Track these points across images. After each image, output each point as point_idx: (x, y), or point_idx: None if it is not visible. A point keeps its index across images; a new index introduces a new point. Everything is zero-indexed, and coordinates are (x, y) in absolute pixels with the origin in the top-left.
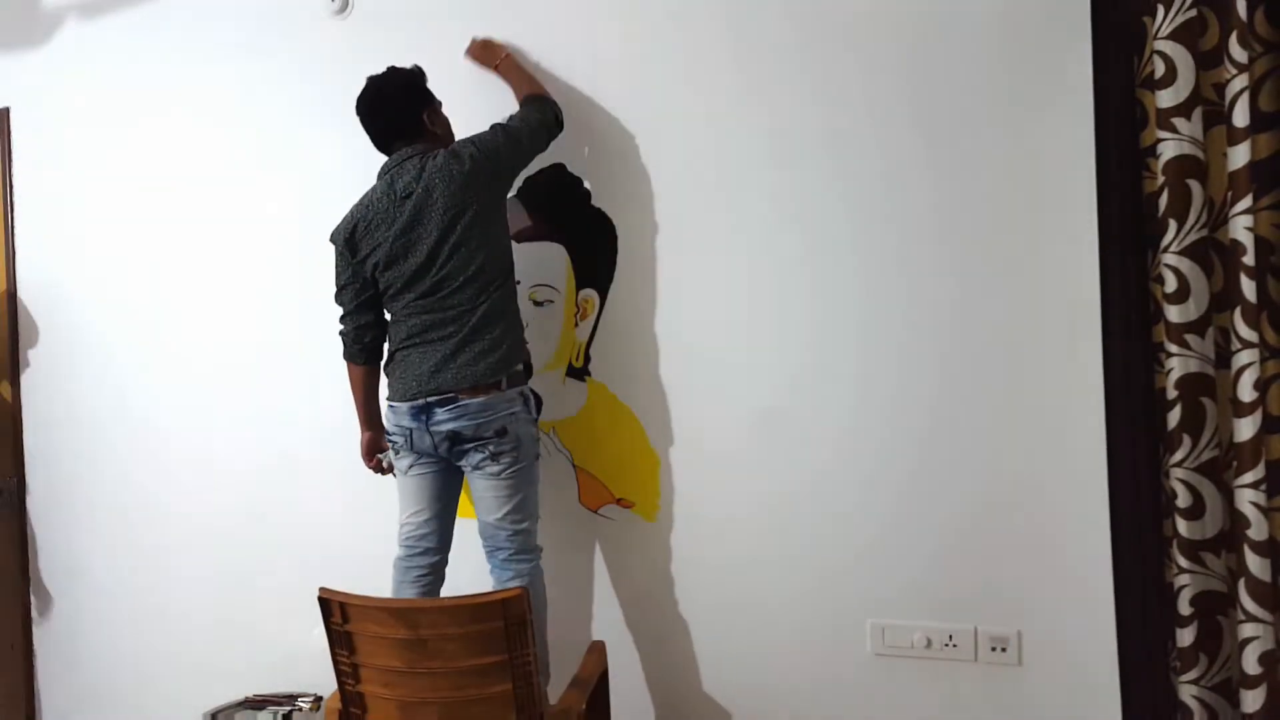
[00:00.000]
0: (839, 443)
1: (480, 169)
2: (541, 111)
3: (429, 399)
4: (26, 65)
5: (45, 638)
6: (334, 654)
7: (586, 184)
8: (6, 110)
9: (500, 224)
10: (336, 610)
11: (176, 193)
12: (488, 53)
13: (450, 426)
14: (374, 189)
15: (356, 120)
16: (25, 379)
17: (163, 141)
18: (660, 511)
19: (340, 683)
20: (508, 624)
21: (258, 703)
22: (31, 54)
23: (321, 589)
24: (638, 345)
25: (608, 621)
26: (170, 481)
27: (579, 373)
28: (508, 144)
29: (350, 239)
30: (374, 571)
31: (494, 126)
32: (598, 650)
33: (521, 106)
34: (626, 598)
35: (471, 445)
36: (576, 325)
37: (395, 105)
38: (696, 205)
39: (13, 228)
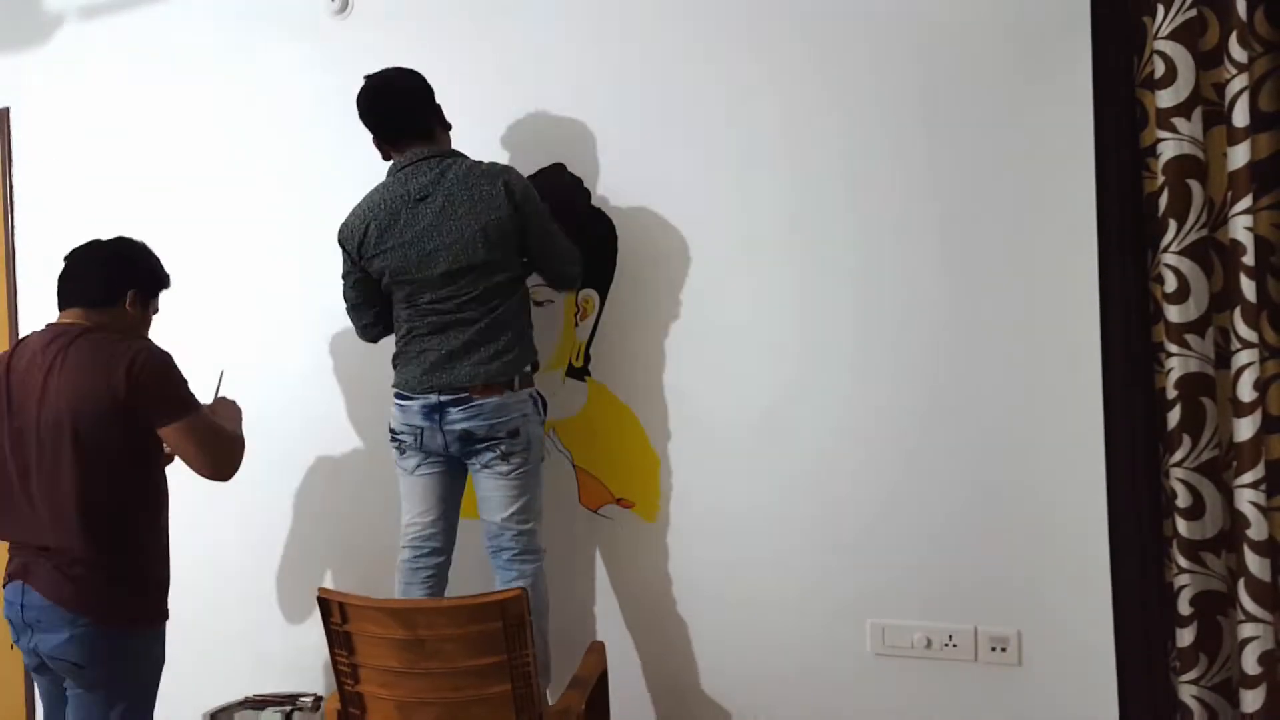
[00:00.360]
0: (839, 442)
1: (512, 197)
2: (575, 259)
3: (442, 397)
4: (26, 65)
5: None
6: (333, 654)
7: (586, 184)
8: (6, 110)
9: (518, 243)
10: (335, 610)
11: (176, 193)
12: None
13: (464, 426)
14: (385, 187)
15: (358, 120)
16: None
17: (162, 141)
18: (660, 511)
19: (339, 683)
20: (506, 624)
21: (258, 703)
22: (31, 54)
23: (321, 589)
24: (638, 345)
25: (607, 621)
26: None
27: (579, 373)
28: (544, 219)
29: (361, 239)
30: (374, 571)
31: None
32: (597, 650)
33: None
34: (626, 598)
35: (483, 445)
36: (576, 325)
37: (409, 105)
38: (697, 204)
39: (13, 228)
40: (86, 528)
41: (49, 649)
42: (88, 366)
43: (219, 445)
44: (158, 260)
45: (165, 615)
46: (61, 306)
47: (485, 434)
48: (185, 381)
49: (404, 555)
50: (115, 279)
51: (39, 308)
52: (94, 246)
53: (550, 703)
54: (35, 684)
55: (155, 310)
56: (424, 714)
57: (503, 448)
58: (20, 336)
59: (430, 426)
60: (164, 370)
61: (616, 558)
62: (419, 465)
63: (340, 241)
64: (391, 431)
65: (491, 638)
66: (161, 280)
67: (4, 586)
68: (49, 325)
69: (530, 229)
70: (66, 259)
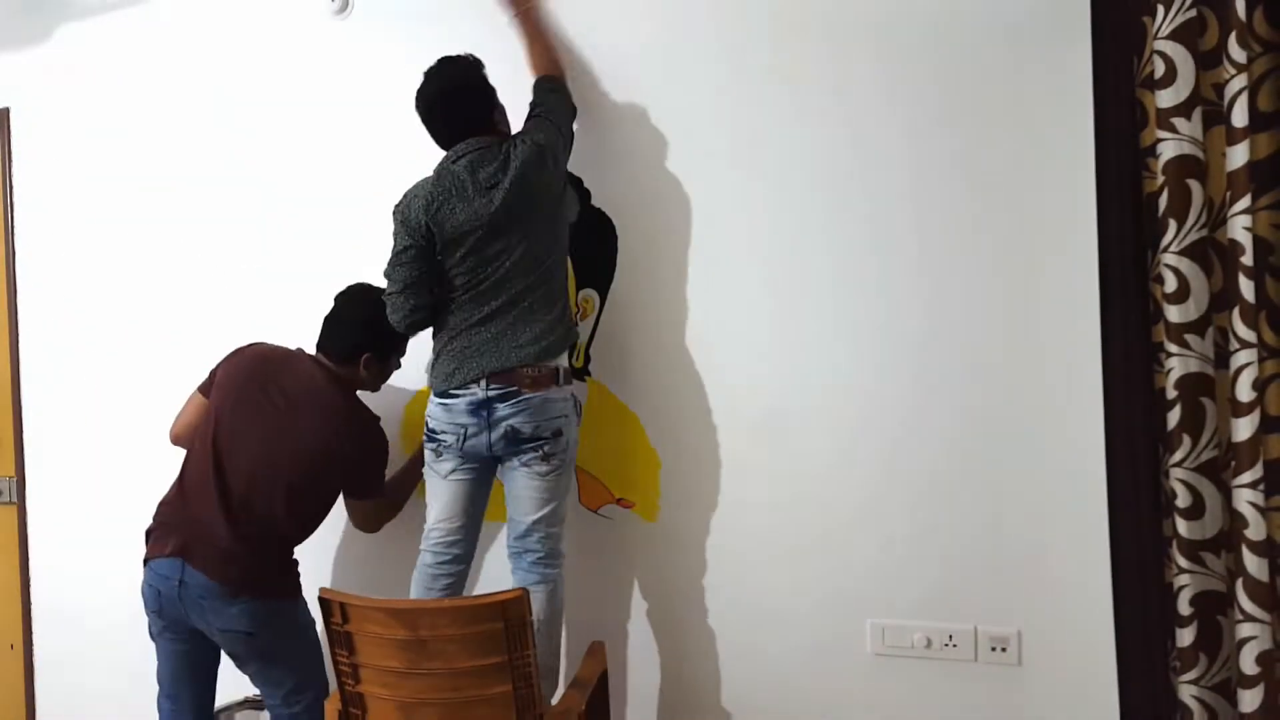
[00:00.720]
0: (840, 443)
1: (556, 165)
2: (566, 102)
3: (490, 392)
4: (26, 65)
5: (45, 638)
6: (334, 654)
7: (586, 184)
8: (6, 110)
9: (561, 212)
10: (336, 611)
11: (176, 193)
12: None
13: (511, 422)
14: (451, 174)
15: (358, 120)
16: (25, 378)
17: (162, 141)
18: (661, 512)
19: (340, 683)
20: (508, 625)
21: (258, 702)
22: (31, 54)
23: (322, 589)
24: (638, 345)
25: (608, 622)
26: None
27: (579, 373)
28: (562, 130)
29: (429, 218)
30: (376, 572)
31: (544, 121)
32: (597, 651)
33: (544, 92)
34: (626, 598)
35: (528, 444)
36: (576, 325)
37: (467, 109)
38: (697, 204)
39: (13, 228)
40: (261, 535)
41: (221, 624)
42: (339, 434)
43: (372, 518)
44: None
45: (301, 588)
46: (318, 347)
47: (531, 433)
48: (385, 471)
49: (425, 559)
50: (356, 345)
51: (39, 308)
52: (348, 299)
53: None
54: (160, 651)
55: (397, 366)
56: (425, 714)
57: (546, 448)
58: (294, 347)
59: (477, 424)
60: (384, 464)
61: (617, 558)
62: (454, 470)
63: (401, 216)
64: (430, 432)
65: (493, 638)
66: (398, 347)
67: (154, 560)
68: (316, 360)
69: (556, 153)
70: (335, 300)
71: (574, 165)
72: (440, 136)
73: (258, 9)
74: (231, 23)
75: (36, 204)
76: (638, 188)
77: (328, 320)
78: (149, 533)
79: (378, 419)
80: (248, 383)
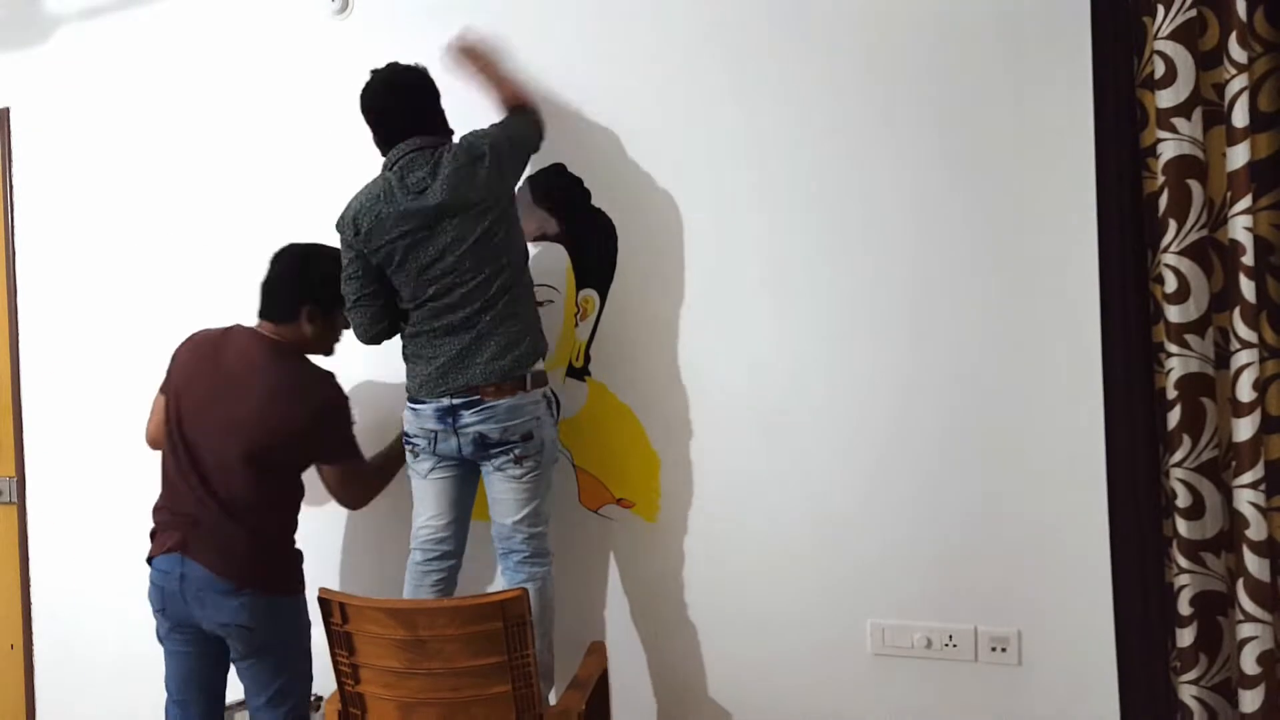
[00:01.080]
0: (840, 443)
1: (496, 162)
2: (529, 119)
3: (454, 400)
4: (26, 65)
5: (45, 638)
6: (333, 654)
7: (586, 184)
8: (6, 110)
9: (515, 218)
10: (336, 610)
11: (176, 193)
12: (468, 60)
13: (478, 429)
14: (383, 181)
15: (358, 120)
16: (25, 378)
17: (162, 141)
18: (661, 512)
19: (340, 683)
20: (507, 625)
21: None
22: (31, 54)
23: (321, 589)
24: (638, 345)
25: (608, 622)
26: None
27: (579, 373)
28: (513, 139)
29: (357, 228)
30: (375, 571)
31: (491, 128)
32: (597, 651)
33: (509, 112)
34: (626, 598)
35: (498, 448)
36: (576, 325)
37: (415, 102)
38: (697, 204)
39: (13, 228)
40: (247, 517)
41: (220, 618)
42: (278, 397)
43: (357, 489)
44: (334, 267)
45: (304, 585)
46: (260, 315)
47: (499, 437)
48: (352, 429)
49: (415, 558)
50: (293, 298)
51: (39, 308)
52: (276, 259)
53: (550, 703)
54: (167, 654)
55: (346, 324)
56: (424, 714)
57: (516, 451)
58: (229, 325)
59: (444, 430)
60: (341, 421)
61: (617, 558)
62: (432, 469)
63: (340, 230)
64: (405, 435)
65: (492, 638)
66: (340, 298)
67: (156, 558)
68: (254, 331)
69: (503, 151)
70: (268, 264)
71: (574, 165)
72: (380, 135)
73: (258, 9)
74: (232, 23)
75: (36, 204)
76: (638, 188)
77: (263, 285)
78: (152, 534)
79: (330, 375)
80: (193, 371)
